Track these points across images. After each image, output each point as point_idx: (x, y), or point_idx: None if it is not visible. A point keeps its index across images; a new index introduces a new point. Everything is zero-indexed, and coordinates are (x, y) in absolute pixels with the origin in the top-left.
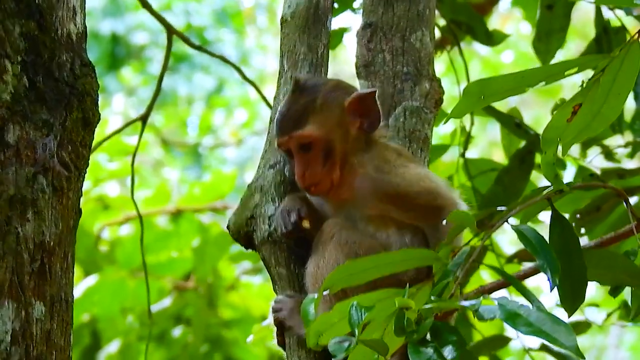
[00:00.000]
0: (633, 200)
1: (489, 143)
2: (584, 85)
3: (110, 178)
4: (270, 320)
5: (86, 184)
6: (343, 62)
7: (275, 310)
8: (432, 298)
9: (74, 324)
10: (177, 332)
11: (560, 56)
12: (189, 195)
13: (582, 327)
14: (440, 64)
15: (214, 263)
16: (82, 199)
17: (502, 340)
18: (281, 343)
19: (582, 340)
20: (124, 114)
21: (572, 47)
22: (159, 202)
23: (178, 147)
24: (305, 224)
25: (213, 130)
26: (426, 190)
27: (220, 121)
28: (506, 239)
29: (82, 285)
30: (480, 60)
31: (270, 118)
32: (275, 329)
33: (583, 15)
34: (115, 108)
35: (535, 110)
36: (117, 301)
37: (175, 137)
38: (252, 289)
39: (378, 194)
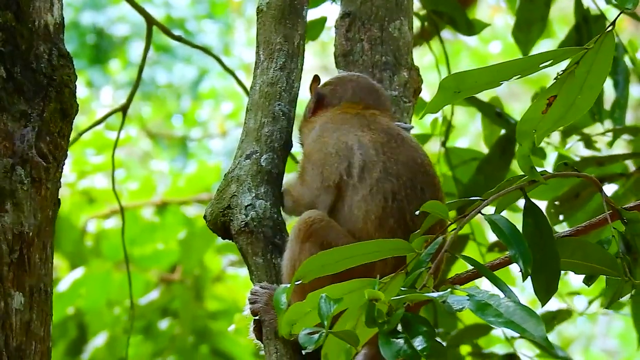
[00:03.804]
0: (613, 187)
1: (478, 133)
2: (559, 77)
3: (96, 171)
4: (247, 311)
5: (71, 177)
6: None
7: (251, 302)
8: (403, 289)
9: (60, 317)
10: (163, 324)
11: (549, 45)
12: (174, 187)
13: (562, 315)
14: (430, 55)
15: (200, 255)
16: (68, 192)
17: (483, 329)
18: (258, 334)
19: (570, 329)
20: (112, 107)
21: (562, 37)
22: (145, 194)
23: (165, 139)
24: None
25: (199, 123)
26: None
27: (207, 113)
28: None
29: (68, 278)
30: (468, 52)
31: (247, 108)
32: (252, 320)
33: (570, 4)
34: (103, 101)
35: (524, 102)
36: (104, 294)
37: (162, 129)
38: (239, 280)
39: None
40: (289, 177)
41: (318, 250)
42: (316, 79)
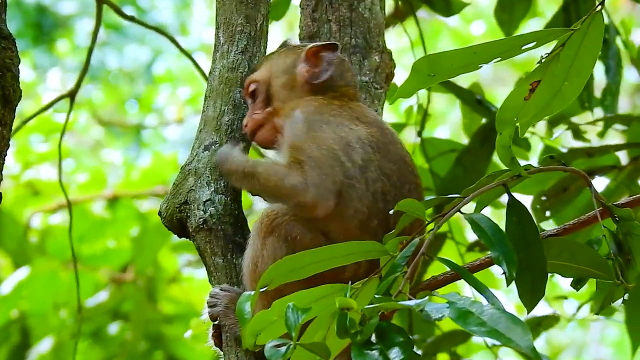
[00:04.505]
0: (604, 181)
1: (458, 123)
2: (543, 60)
3: (42, 161)
4: (205, 316)
5: (15, 168)
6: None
7: (210, 306)
8: (377, 296)
9: (2, 322)
10: (114, 328)
11: (536, 26)
12: (127, 179)
13: (549, 321)
14: (406, 37)
15: (153, 254)
16: (11, 185)
17: (462, 336)
18: (217, 341)
19: (560, 336)
20: (61, 91)
21: (550, 16)
22: (95, 187)
23: (118, 127)
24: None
25: (155, 110)
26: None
27: (163, 98)
28: None
29: (10, 279)
30: (449, 32)
31: (205, 95)
32: (211, 325)
33: None
34: (51, 85)
35: (511, 87)
36: (49, 295)
37: (114, 116)
38: (196, 281)
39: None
40: (263, 161)
41: (282, 245)
42: (332, 47)
